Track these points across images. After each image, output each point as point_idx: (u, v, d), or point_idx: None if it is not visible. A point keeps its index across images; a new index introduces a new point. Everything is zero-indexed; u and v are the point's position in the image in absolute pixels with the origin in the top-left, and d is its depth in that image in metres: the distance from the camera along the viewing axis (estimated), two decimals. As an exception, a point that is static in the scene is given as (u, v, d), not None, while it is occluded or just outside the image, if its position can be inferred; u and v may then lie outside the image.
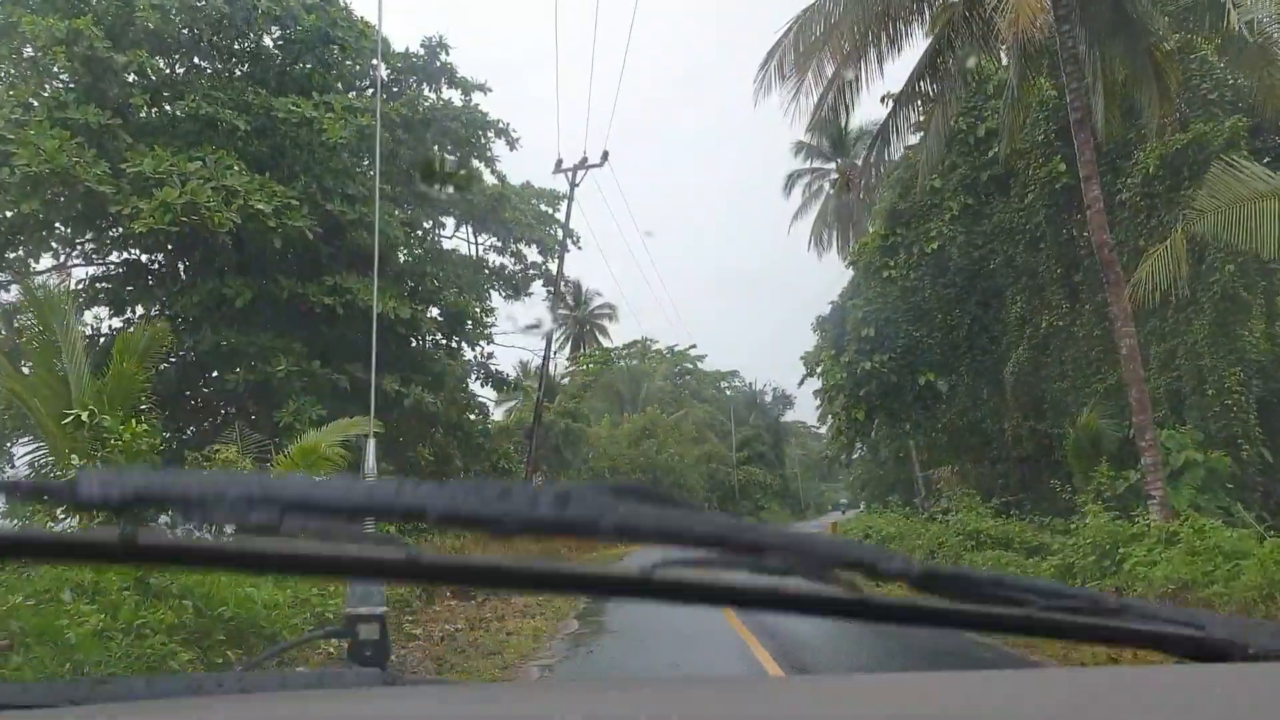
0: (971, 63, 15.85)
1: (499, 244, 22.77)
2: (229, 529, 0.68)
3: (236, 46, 16.74)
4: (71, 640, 5.34)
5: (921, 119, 18.26)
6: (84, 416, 8.68)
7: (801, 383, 40.70)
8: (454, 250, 21.89)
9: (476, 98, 19.51)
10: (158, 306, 14.95)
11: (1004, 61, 19.60)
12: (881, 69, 15.25)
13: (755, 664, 7.39)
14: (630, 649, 8.42)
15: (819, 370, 24.12)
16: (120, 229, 13.90)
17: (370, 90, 18.98)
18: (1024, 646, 8.27)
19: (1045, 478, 17.58)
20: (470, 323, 19.99)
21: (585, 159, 20.84)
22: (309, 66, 17.16)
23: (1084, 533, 11.34)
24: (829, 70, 13.58)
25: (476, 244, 22.54)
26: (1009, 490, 18.88)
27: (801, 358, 33.88)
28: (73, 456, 8.99)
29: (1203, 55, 15.66)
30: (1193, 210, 9.58)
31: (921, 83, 16.02)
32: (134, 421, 9.08)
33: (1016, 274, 19.11)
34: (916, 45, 16.13)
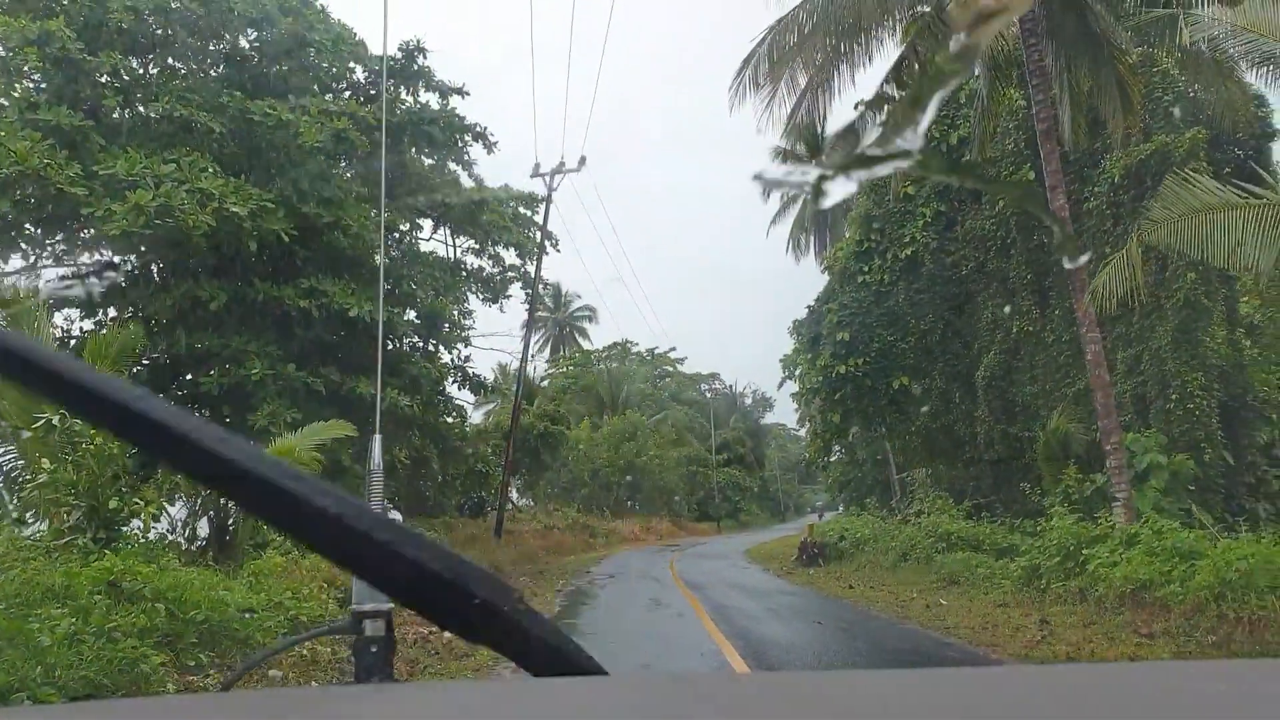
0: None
1: (476, 247, 22.82)
2: None
3: (211, 48, 16.71)
4: (44, 644, 5.39)
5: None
6: (55, 420, 8.70)
7: (780, 385, 41.04)
8: (431, 252, 21.93)
9: (454, 101, 19.57)
10: (130, 309, 14.89)
11: (980, 68, 19.98)
12: (853, 78, 15.49)
13: (725, 664, 7.53)
14: (602, 651, 8.53)
15: (796, 373, 24.37)
16: (92, 230, 13.85)
17: (347, 92, 19.00)
18: (986, 645, 8.48)
19: (1016, 480, 17.89)
20: (447, 325, 20.04)
21: (563, 163, 20.97)
22: (285, 69, 17.15)
23: (1050, 535, 11.60)
24: (801, 80, 13.79)
25: (454, 246, 22.60)
26: (981, 492, 19.18)
27: (781, 360, 34.23)
28: (43, 461, 9.03)
29: (1164, 69, 16.03)
30: (1148, 220, 9.85)
31: (891, 89, 16.28)
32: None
33: (988, 279, 19.42)
34: (888, 54, 16.39)
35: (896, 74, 15.94)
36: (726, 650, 8.11)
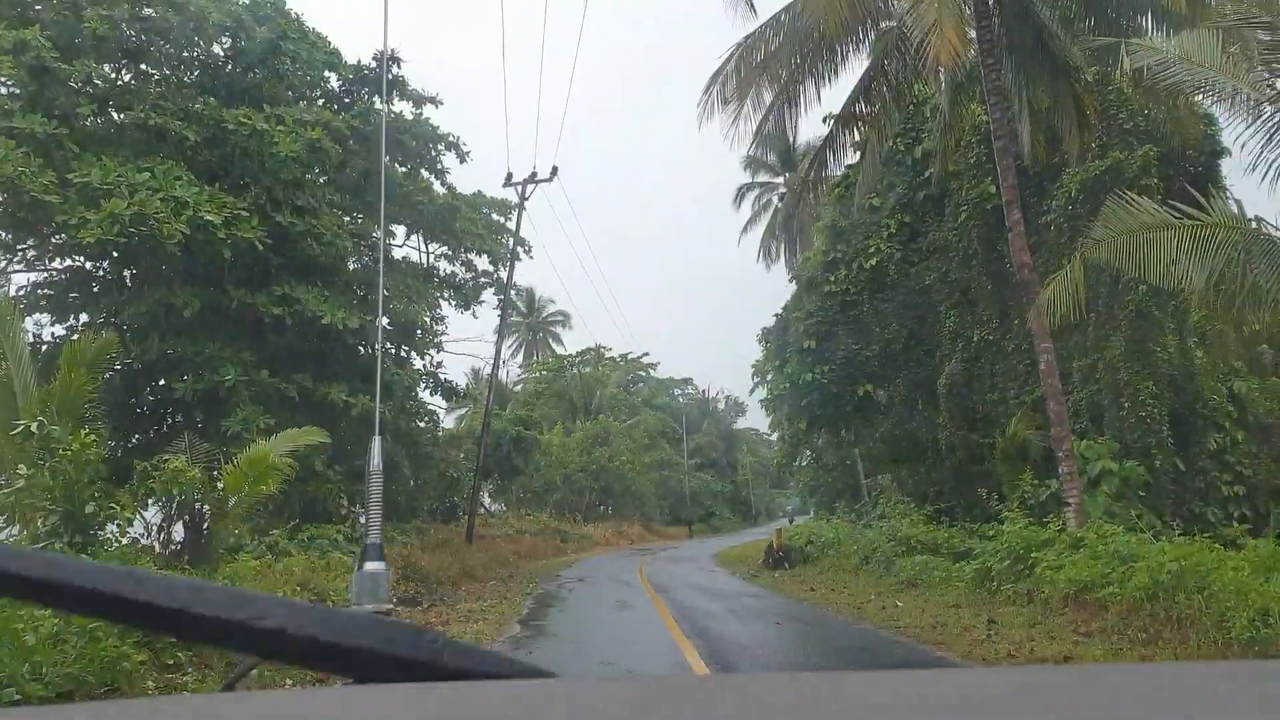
0: (904, 89, 16.60)
1: (449, 253, 23.10)
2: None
3: (185, 55, 16.87)
4: (30, 642, 5.66)
5: (860, 139, 19.12)
6: (33, 427, 8.91)
7: (753, 390, 41.54)
8: (404, 258, 22.18)
9: (428, 111, 19.87)
10: (104, 314, 15.02)
11: (943, 84, 20.59)
12: (819, 94, 16.00)
13: (683, 664, 7.91)
14: (567, 650, 8.90)
15: (766, 380, 24.88)
16: (64, 236, 13.99)
17: (320, 100, 19.20)
18: (932, 644, 8.93)
19: (976, 485, 18.47)
20: (420, 331, 20.30)
21: (535, 173, 21.33)
22: (259, 76, 17.35)
23: (1001, 538, 12.11)
24: (767, 98, 14.26)
25: (427, 253, 22.86)
26: (942, 497, 19.73)
27: (753, 365, 34.75)
28: (20, 466, 9.23)
29: (1119, 88, 16.67)
30: (1090, 239, 10.41)
31: (858, 105, 16.83)
32: (82, 432, 9.33)
33: (950, 290, 20.00)
34: (854, 69, 16.92)
35: (865, 90, 16.52)
36: (685, 648, 8.50)
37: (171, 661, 6.55)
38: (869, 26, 14.92)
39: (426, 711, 0.77)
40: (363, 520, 18.16)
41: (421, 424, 21.98)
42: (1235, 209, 10.03)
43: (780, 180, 36.37)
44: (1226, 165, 18.82)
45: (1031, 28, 15.75)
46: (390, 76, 19.40)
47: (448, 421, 33.55)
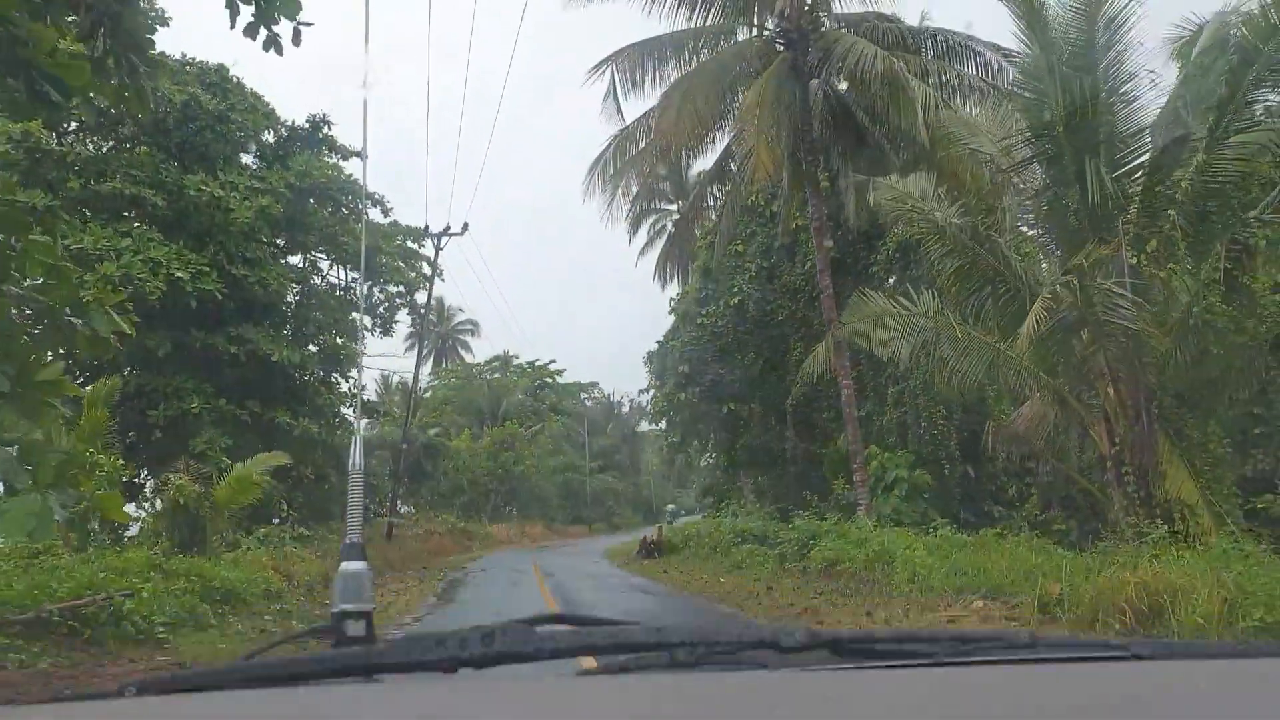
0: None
1: (369, 282, 27.20)
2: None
3: (145, 124, 20.54)
4: (144, 596, 9.89)
5: (726, 195, 24.07)
6: (90, 455, 12.93)
7: (648, 404, 46.29)
8: (324, 280, 26.19)
9: (354, 163, 23.99)
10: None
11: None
12: (685, 174, 20.91)
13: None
14: (471, 610, 13.49)
15: (650, 397, 29.82)
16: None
17: (255, 151, 23.02)
18: (719, 600, 13.84)
19: (811, 488, 23.69)
20: (344, 357, 24.43)
21: (448, 227, 25.77)
22: (209, 138, 21.06)
23: (793, 531, 17.17)
24: (635, 188, 18.98)
25: (348, 283, 26.91)
26: (786, 498, 24.95)
27: (649, 378, 39.53)
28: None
29: (921, 171, 22.00)
30: (839, 322, 15.49)
31: (722, 167, 21.88)
32: (114, 458, 13.44)
33: (798, 325, 25.16)
34: (717, 147, 21.80)
35: (722, 162, 21.54)
36: (550, 605, 13.16)
37: (219, 611, 10.89)
38: (713, 130, 19.74)
39: (431, 707, 0.84)
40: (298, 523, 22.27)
41: (339, 434, 26.07)
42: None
43: (674, 208, 41.29)
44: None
45: (853, 124, 20.98)
46: (320, 135, 23.43)
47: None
